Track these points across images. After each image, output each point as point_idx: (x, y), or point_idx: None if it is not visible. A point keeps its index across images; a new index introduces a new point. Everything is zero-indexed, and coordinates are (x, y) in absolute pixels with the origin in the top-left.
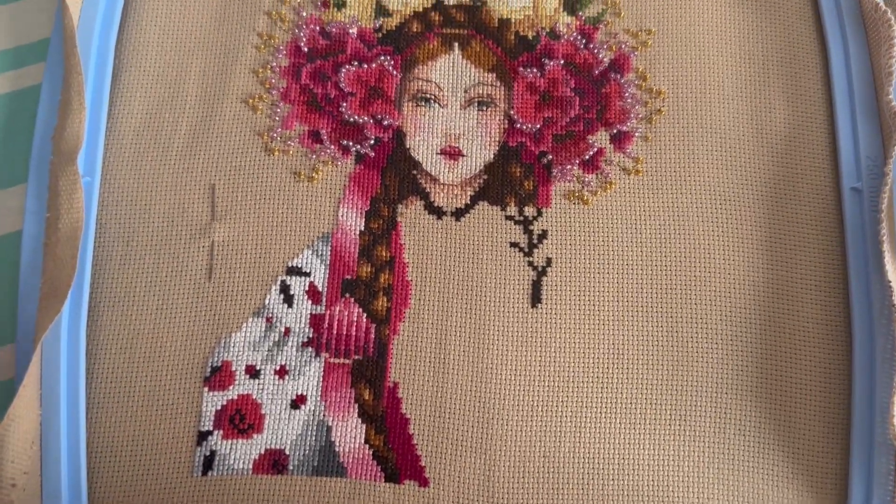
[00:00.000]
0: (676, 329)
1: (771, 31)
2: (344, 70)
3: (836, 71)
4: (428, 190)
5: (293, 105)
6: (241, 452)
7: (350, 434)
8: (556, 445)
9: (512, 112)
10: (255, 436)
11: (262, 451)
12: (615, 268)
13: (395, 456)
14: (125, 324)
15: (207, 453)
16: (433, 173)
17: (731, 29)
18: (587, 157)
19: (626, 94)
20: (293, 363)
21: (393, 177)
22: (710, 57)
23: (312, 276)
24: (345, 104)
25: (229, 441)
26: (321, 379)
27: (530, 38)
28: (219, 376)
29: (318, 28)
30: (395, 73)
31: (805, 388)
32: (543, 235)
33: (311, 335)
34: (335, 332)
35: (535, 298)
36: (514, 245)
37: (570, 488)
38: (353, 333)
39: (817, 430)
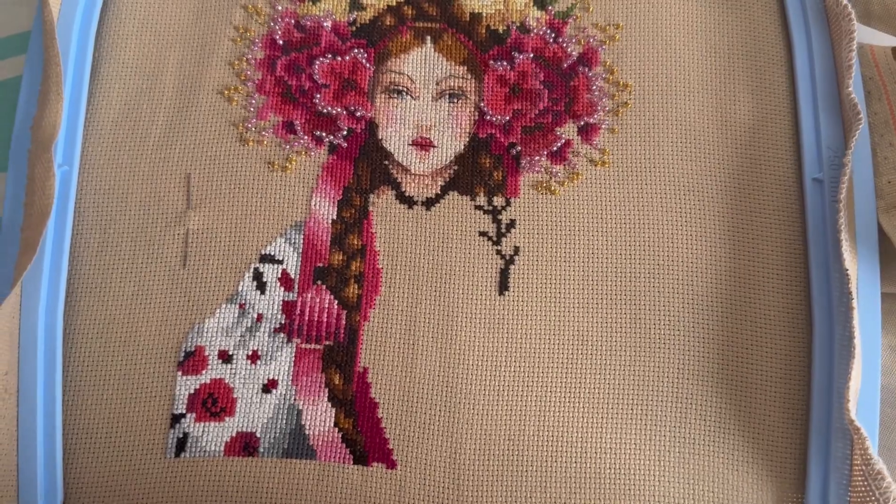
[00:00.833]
0: (640, 317)
1: (736, 25)
2: (318, 62)
3: (799, 64)
4: (399, 180)
5: (268, 96)
6: (213, 435)
7: (320, 417)
8: (521, 429)
9: (482, 104)
10: (226, 419)
11: (234, 434)
12: (581, 257)
13: (364, 439)
14: (101, 309)
15: (180, 435)
16: (404, 164)
17: (698, 23)
18: (555, 148)
19: (594, 87)
20: (265, 348)
21: (365, 167)
22: (676, 51)
23: (285, 263)
24: (318, 96)
25: (202, 424)
26: (292, 364)
27: (501, 31)
28: (192, 361)
29: (293, 21)
30: (368, 65)
31: (766, 375)
32: (511, 225)
33: (283, 321)
34: (307, 318)
35: (503, 286)
36: (482, 234)
37: (533, 471)
38: (325, 320)
39: (777, 415)
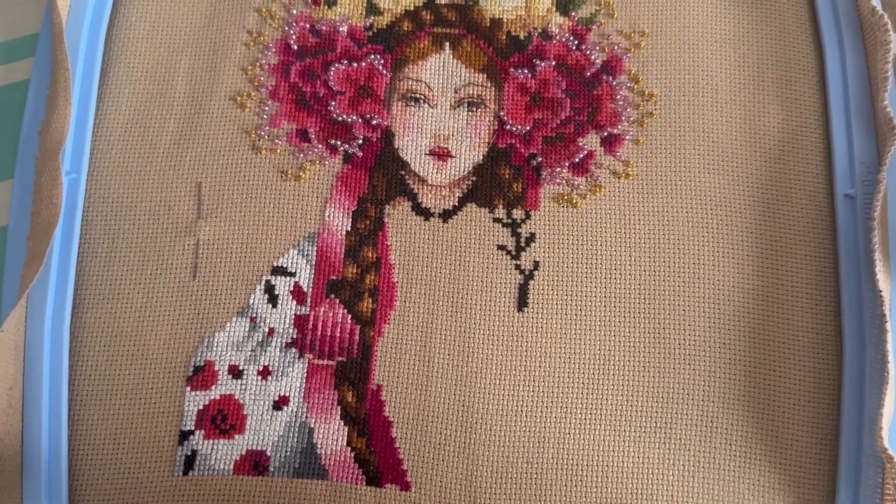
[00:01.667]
0: (664, 335)
1: (766, 33)
2: (333, 68)
3: (831, 75)
4: (416, 191)
5: (281, 103)
6: (222, 453)
7: (332, 436)
8: (540, 451)
9: (502, 113)
10: (236, 436)
11: (244, 452)
12: (603, 273)
13: (378, 459)
14: (109, 321)
15: (189, 453)
16: (421, 174)
17: (726, 31)
18: (577, 159)
19: (618, 97)
20: (276, 364)
21: (381, 177)
22: (703, 59)
23: (297, 276)
24: (333, 103)
25: (211, 441)
26: (304, 380)
27: (522, 38)
28: (201, 376)
29: (308, 26)
30: (384, 72)
31: (794, 398)
32: (531, 239)
33: (294, 336)
34: (319, 333)
35: (522, 302)
36: (501, 248)
37: (552, 495)
38: (338, 335)
39: (805, 440)
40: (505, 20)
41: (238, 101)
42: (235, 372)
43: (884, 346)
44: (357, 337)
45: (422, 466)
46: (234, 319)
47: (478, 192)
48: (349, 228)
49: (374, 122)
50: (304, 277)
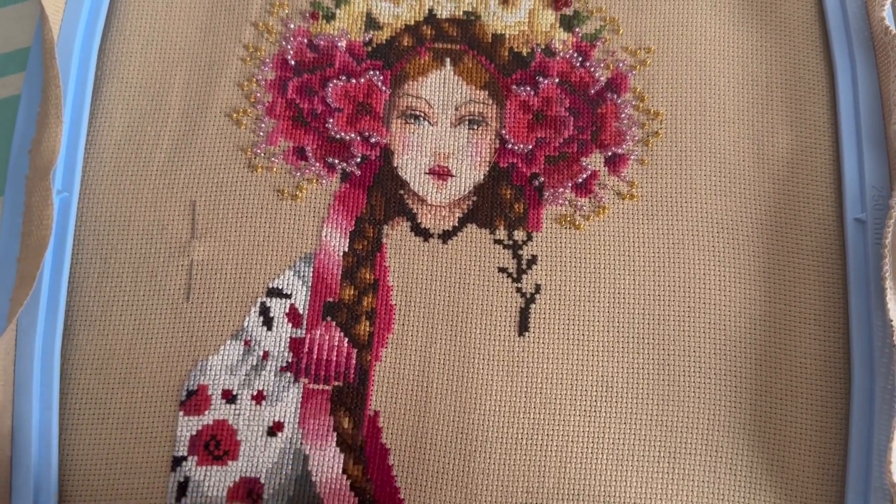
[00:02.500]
0: (668, 362)
1: (775, 51)
2: (331, 85)
3: (842, 96)
4: (415, 211)
5: (278, 120)
6: (215, 480)
7: (328, 463)
8: (540, 480)
9: (504, 132)
10: (230, 463)
11: (237, 479)
12: (606, 297)
13: (374, 487)
14: (101, 344)
15: (181, 479)
16: (421, 194)
17: (734, 49)
18: (580, 180)
19: (623, 115)
20: (271, 388)
21: (379, 196)
22: (711, 78)
23: (293, 297)
24: (331, 120)
25: (204, 468)
26: (299, 405)
27: (525, 54)
28: (194, 400)
29: (305, 40)
30: (384, 88)
31: (800, 428)
32: (533, 261)
33: (290, 359)
34: (315, 356)
35: (523, 326)
36: (502, 270)
37: None
38: (334, 359)
39: (812, 472)
40: (507, 36)
41: (234, 117)
42: (229, 396)
43: (893, 376)
44: (354, 361)
45: (419, 495)
46: (228, 342)
47: (478, 213)
48: (346, 249)
49: (373, 139)
50: (300, 299)
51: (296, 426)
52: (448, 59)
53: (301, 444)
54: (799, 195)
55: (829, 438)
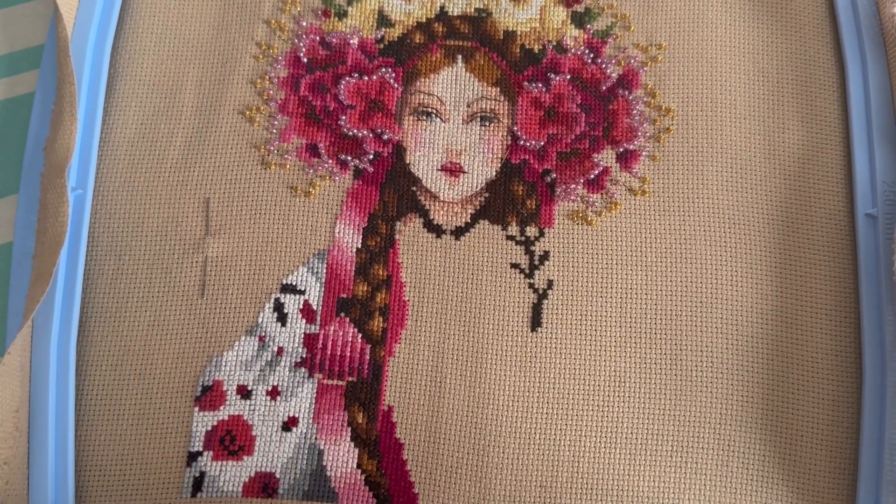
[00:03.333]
0: (680, 357)
1: (786, 48)
2: (344, 82)
3: (853, 91)
4: (427, 207)
5: (291, 117)
6: (230, 474)
7: (342, 458)
8: (553, 475)
9: (515, 128)
10: (245, 458)
11: (253, 474)
12: (618, 292)
13: (388, 482)
14: (116, 340)
15: (197, 474)
16: (433, 190)
17: (745, 45)
18: (592, 176)
19: (634, 112)
20: (285, 384)
21: (392, 193)
22: (722, 74)
23: (307, 294)
24: (344, 117)
25: (219, 462)
26: (314, 401)
27: (536, 51)
28: (210, 396)
29: (318, 38)
30: (396, 85)
31: (812, 422)
32: (545, 257)
33: (304, 355)
34: (329, 352)
35: (535, 322)
36: (514, 266)
37: None
38: (348, 354)
39: (823, 465)
40: (519, 33)
41: (247, 114)
42: (244, 392)
43: None
44: (367, 356)
45: (433, 490)
46: (243, 338)
47: (490, 209)
48: (359, 245)
49: (385, 136)
50: (314, 295)
51: (310, 421)
52: (460, 56)
53: (316, 439)
54: (810, 191)
55: (841, 432)
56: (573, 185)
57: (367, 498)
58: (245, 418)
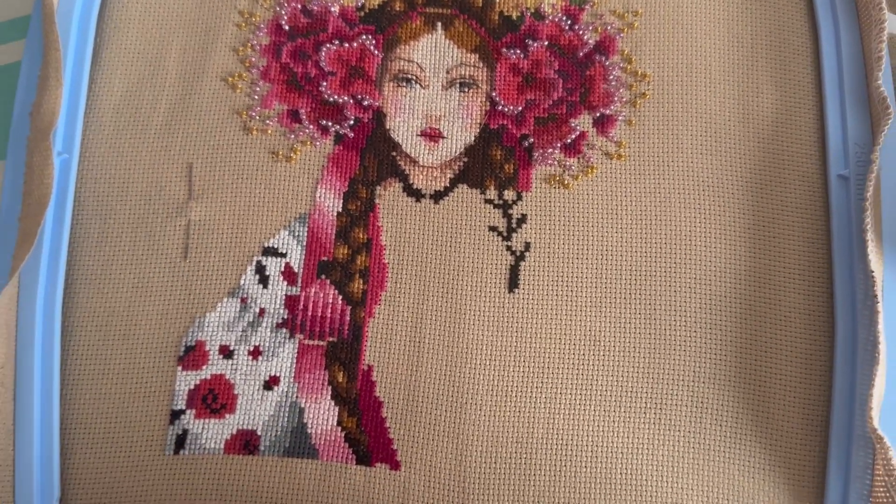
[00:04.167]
0: (655, 316)
1: (760, 13)
2: (325, 49)
3: (826, 55)
4: (407, 172)
5: (273, 84)
6: (213, 432)
7: (322, 416)
8: (529, 431)
9: (494, 94)
10: (227, 416)
11: (234, 432)
12: (594, 254)
13: (368, 439)
14: (101, 301)
15: (180, 432)
16: (413, 155)
17: (720, 11)
18: (569, 140)
19: (611, 77)
20: (267, 344)
21: (372, 158)
22: (697, 40)
23: (288, 256)
24: (325, 83)
25: (201, 420)
26: (295, 360)
27: (514, 18)
28: (192, 356)
29: (299, 6)
30: (376, 52)
31: (785, 379)
32: (522, 220)
33: (285, 316)
34: (310, 313)
35: (513, 283)
36: (492, 229)
37: (542, 474)
38: (328, 315)
39: (796, 421)
40: (497, 0)
41: (229, 81)
42: (226, 352)
43: (875, 327)
44: (348, 318)
45: (412, 446)
46: (225, 300)
47: (469, 174)
48: (340, 209)
49: (366, 102)
50: (295, 258)
51: (291, 380)
52: (439, 24)
53: (296, 397)
54: (783, 153)
55: (813, 389)
56: (550, 150)
57: (346, 454)
58: (227, 377)
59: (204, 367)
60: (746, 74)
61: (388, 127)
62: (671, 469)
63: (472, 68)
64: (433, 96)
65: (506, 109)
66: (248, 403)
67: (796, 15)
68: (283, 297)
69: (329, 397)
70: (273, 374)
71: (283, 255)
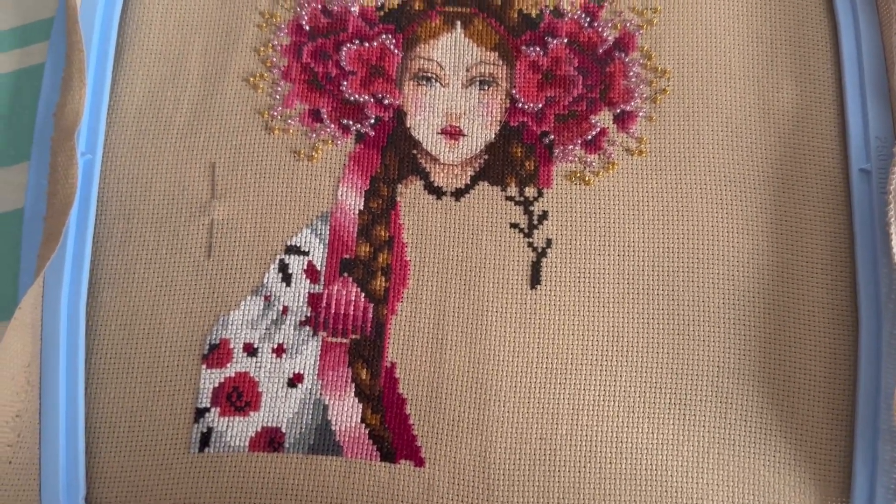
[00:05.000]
0: (678, 312)
1: (779, 8)
2: (345, 48)
3: (846, 49)
4: (428, 170)
5: (294, 83)
6: (237, 430)
7: (346, 413)
8: (553, 427)
9: (514, 91)
10: (251, 413)
11: (259, 429)
12: (616, 250)
13: (392, 436)
14: (125, 301)
15: (204, 430)
16: (433, 153)
17: (739, 7)
18: (589, 137)
19: (631, 74)
20: (291, 342)
21: (393, 156)
22: (716, 35)
23: (311, 255)
24: (345, 83)
25: (226, 418)
26: (318, 358)
27: (534, 16)
28: (217, 354)
29: (319, 6)
30: (396, 51)
31: (809, 374)
32: (544, 216)
33: (308, 314)
34: (333, 311)
35: (535, 280)
36: (513, 226)
37: (566, 471)
38: (351, 313)
39: (821, 416)
40: None
41: (251, 81)
42: (250, 350)
43: None
44: (370, 315)
45: (436, 443)
46: (249, 298)
47: (490, 171)
48: (362, 207)
49: (386, 101)
50: (318, 256)
51: (315, 377)
52: (458, 22)
53: (320, 394)
54: (804, 147)
55: (838, 383)
56: (571, 147)
57: (371, 451)
58: (251, 375)
59: (228, 365)
60: (766, 70)
61: (408, 125)
62: (696, 465)
63: (492, 66)
64: (453, 94)
65: (526, 107)
66: (273, 401)
67: (815, 9)
68: (307, 295)
69: (353, 394)
70: (297, 371)
71: (306, 254)
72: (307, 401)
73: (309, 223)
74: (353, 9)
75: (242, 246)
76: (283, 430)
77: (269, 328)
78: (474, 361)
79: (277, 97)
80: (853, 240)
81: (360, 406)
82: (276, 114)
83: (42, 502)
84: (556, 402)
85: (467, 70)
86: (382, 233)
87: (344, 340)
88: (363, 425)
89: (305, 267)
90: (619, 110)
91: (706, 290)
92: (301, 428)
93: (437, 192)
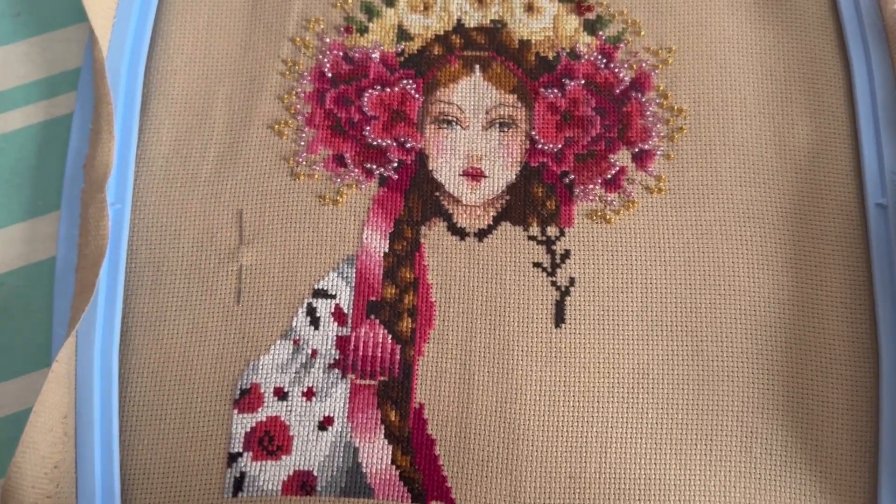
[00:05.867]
0: (701, 348)
1: (792, 46)
2: (367, 94)
3: (858, 85)
4: (451, 211)
5: (318, 130)
6: (270, 474)
7: (377, 455)
8: (582, 466)
9: (533, 132)
10: (283, 457)
11: (291, 473)
12: (639, 287)
13: (422, 477)
14: (156, 348)
15: (237, 475)
16: (456, 195)
17: (752, 45)
18: (609, 176)
19: (648, 113)
20: (320, 385)
21: (416, 199)
22: (731, 73)
23: (338, 298)
24: (368, 128)
25: (259, 462)
26: (348, 400)
27: (551, 58)
28: (248, 398)
29: (341, 53)
30: (417, 96)
31: (832, 407)
32: (566, 255)
33: (337, 357)
34: (361, 353)
35: (559, 318)
36: (537, 265)
37: None
38: (379, 355)
39: (845, 448)
40: (533, 41)
41: (276, 128)
42: (281, 394)
43: None
44: (398, 356)
45: (466, 483)
46: (278, 342)
47: (512, 211)
48: (386, 250)
49: (408, 145)
50: (345, 299)
51: (345, 420)
52: (477, 66)
53: (350, 437)
54: (821, 183)
55: (861, 415)
56: (591, 186)
57: (402, 492)
58: (282, 419)
59: (259, 410)
60: (781, 106)
61: (430, 168)
62: (723, 499)
63: (511, 108)
64: (474, 137)
65: (545, 147)
66: (304, 444)
67: (827, 46)
68: (335, 338)
69: (382, 436)
70: (327, 414)
71: (333, 297)
72: (338, 443)
73: (335, 266)
74: (373, 55)
75: (271, 291)
76: (315, 474)
77: (298, 372)
78: (502, 401)
79: (302, 143)
80: (871, 273)
81: (390, 448)
82: (301, 160)
83: None
84: (584, 440)
85: (487, 112)
86: (407, 274)
87: (372, 382)
88: (393, 467)
89: (333, 310)
90: (637, 149)
91: (728, 325)
92: (332, 471)
93: (461, 233)
